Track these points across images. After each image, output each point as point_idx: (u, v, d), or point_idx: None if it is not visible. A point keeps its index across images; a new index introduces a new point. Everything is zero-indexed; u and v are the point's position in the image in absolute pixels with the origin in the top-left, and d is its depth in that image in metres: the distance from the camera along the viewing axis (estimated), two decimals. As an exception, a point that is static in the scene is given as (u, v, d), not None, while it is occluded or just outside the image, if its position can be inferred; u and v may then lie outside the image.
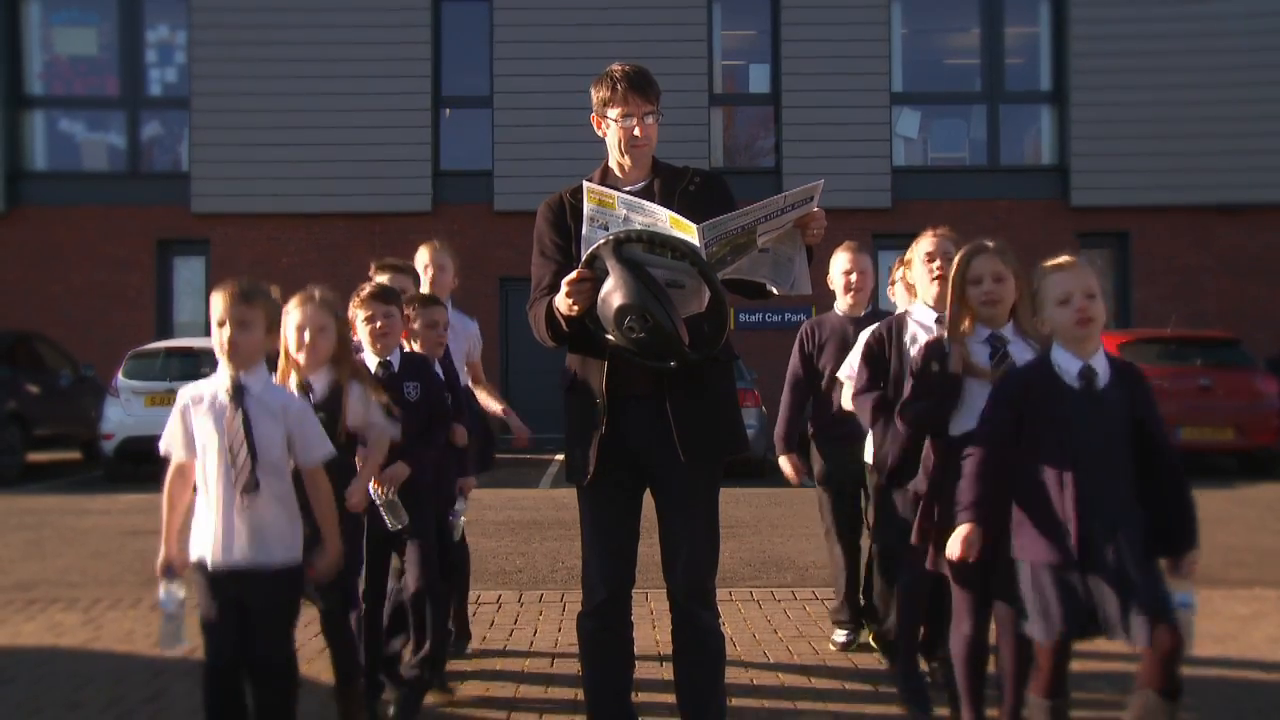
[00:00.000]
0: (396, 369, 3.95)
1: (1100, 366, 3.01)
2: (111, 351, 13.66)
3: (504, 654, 4.77)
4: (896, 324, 3.92)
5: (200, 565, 3.04)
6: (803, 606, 5.57)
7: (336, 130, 15.64)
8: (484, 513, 8.78)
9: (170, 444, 3.10)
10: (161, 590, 3.06)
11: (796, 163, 15.82)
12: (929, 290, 3.85)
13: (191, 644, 3.09)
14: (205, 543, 3.03)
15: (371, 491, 3.76)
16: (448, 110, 16.55)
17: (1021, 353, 3.32)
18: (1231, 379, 11.63)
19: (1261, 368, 12.23)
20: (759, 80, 16.79)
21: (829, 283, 4.79)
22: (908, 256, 4.03)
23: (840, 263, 4.74)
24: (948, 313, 3.47)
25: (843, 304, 4.74)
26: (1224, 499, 9.77)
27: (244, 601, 3.01)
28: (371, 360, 3.95)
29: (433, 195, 16.01)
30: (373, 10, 15.88)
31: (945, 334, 3.48)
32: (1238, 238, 16.20)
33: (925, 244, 3.89)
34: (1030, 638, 3.08)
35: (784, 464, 4.81)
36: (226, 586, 3.01)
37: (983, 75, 16.62)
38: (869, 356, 3.92)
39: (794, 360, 4.81)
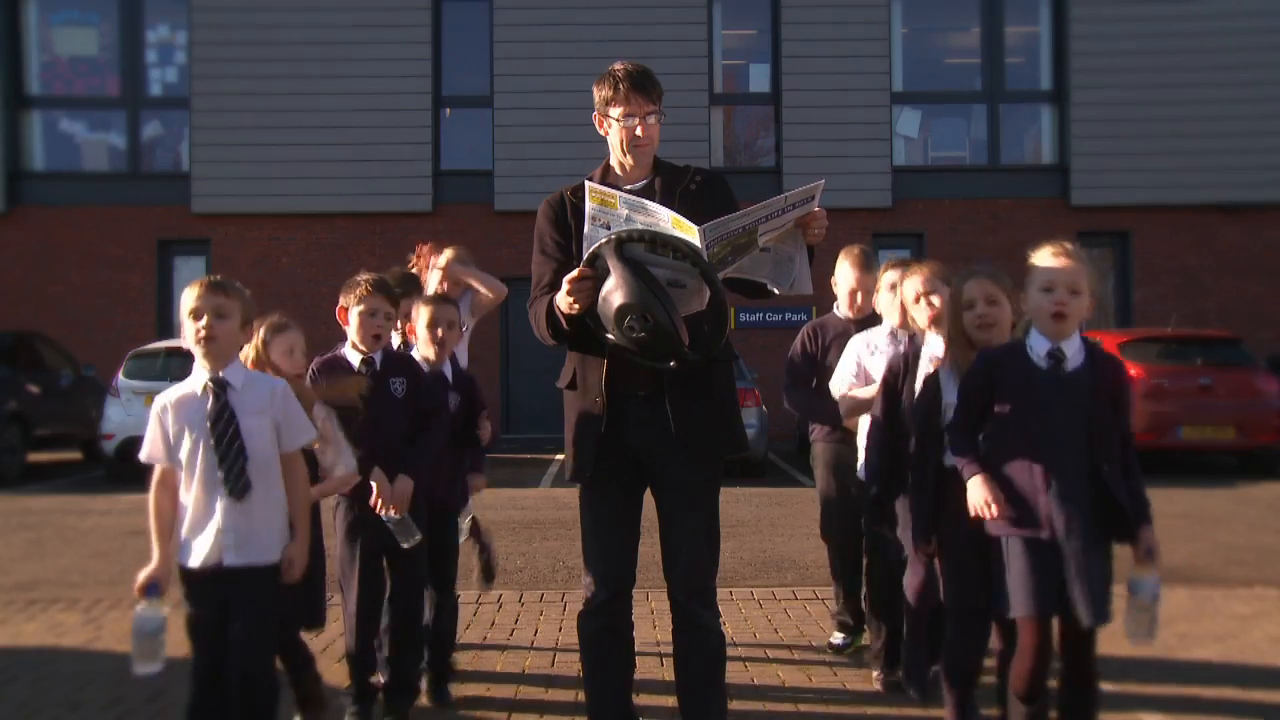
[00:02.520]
0: (379, 366, 3.85)
1: (1071, 350, 3.06)
2: (112, 351, 13.67)
3: (505, 653, 4.77)
4: (912, 355, 3.83)
5: (186, 568, 2.95)
6: (803, 606, 5.57)
7: (336, 130, 15.64)
8: (484, 512, 8.74)
9: (151, 452, 2.99)
10: (141, 608, 2.90)
11: (796, 162, 15.82)
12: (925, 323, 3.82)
13: (164, 665, 2.96)
14: (193, 545, 2.95)
15: (381, 513, 3.70)
16: (448, 110, 16.55)
17: None
18: (1232, 378, 11.63)
19: (1262, 367, 12.23)
20: (759, 80, 16.78)
21: (833, 285, 4.76)
22: (903, 297, 3.93)
23: (847, 279, 4.65)
24: (944, 341, 3.48)
25: (845, 311, 4.70)
26: (1224, 498, 9.78)
27: (228, 603, 2.92)
28: (354, 357, 3.86)
29: (433, 195, 16.02)
30: (373, 10, 15.88)
31: (941, 365, 3.47)
32: (1238, 237, 16.21)
33: (915, 283, 3.83)
34: (1013, 623, 3.12)
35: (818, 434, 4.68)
36: (213, 589, 2.93)
37: (983, 74, 16.62)
38: (886, 390, 3.81)
39: (795, 354, 4.70)
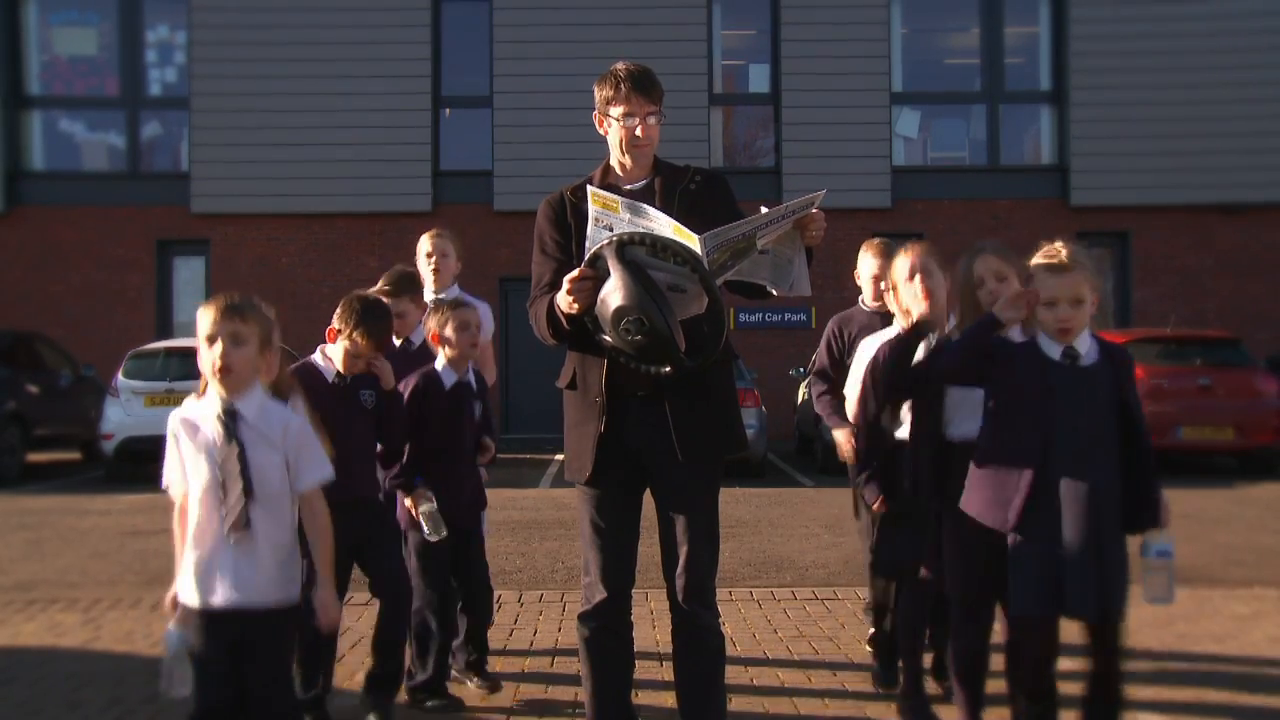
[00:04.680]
0: (350, 379, 3.86)
1: (1084, 347, 3.06)
2: (111, 351, 13.67)
3: (504, 654, 4.77)
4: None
5: (195, 609, 2.80)
6: (803, 606, 5.57)
7: (336, 130, 15.64)
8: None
9: (171, 478, 2.87)
10: (171, 627, 2.85)
11: (796, 163, 15.82)
12: (919, 308, 3.75)
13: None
14: (194, 581, 2.80)
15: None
16: (448, 110, 16.55)
17: None
18: (1231, 379, 11.63)
19: (1261, 367, 12.25)
20: (759, 80, 16.79)
21: (855, 278, 4.74)
22: (892, 280, 3.88)
23: (869, 267, 4.64)
24: (958, 319, 3.48)
25: (869, 302, 4.68)
26: (1224, 498, 9.77)
27: (238, 642, 2.78)
28: (329, 370, 3.86)
29: (433, 195, 16.02)
30: (373, 10, 15.89)
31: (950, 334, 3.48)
32: (1238, 238, 16.21)
33: (902, 262, 3.81)
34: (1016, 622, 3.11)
35: (839, 436, 4.48)
36: (220, 626, 2.79)
37: (983, 75, 16.63)
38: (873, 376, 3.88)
39: (821, 355, 4.69)
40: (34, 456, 12.37)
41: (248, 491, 2.76)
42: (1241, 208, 16.08)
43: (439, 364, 4.13)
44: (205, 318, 2.79)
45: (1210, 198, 15.97)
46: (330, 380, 3.84)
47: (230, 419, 2.79)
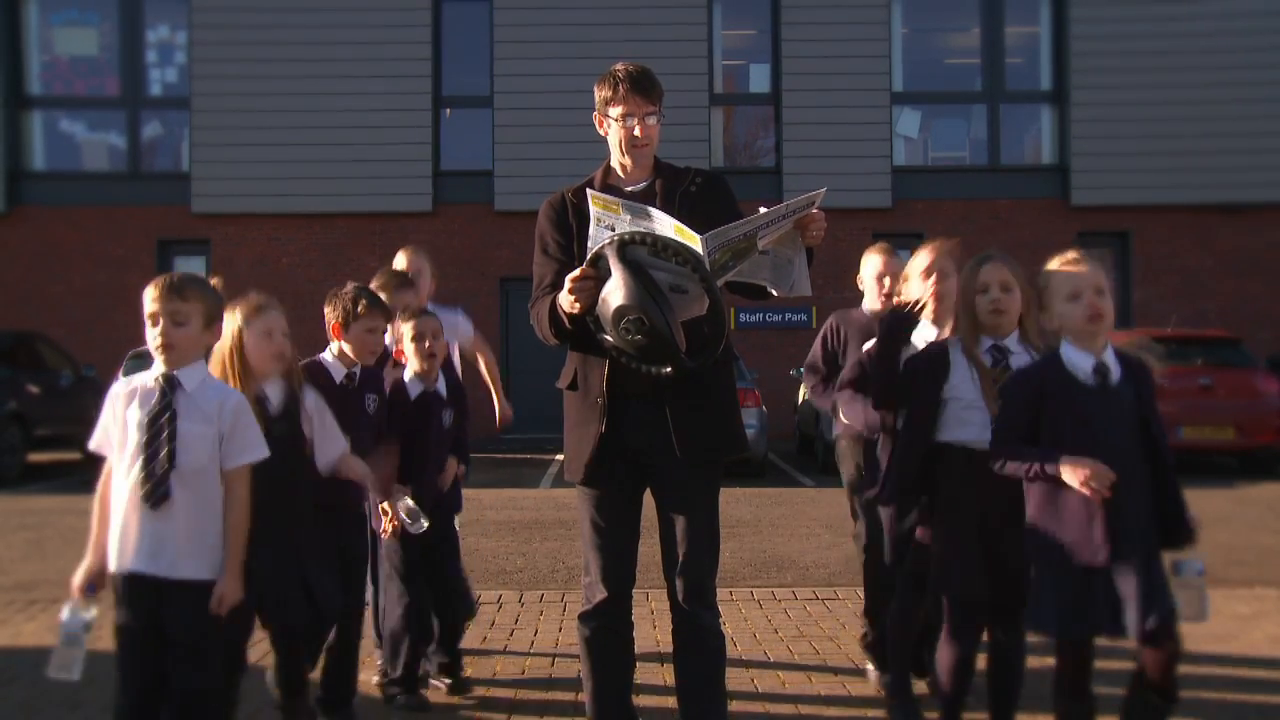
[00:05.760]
0: (357, 381, 3.86)
1: (1111, 362, 3.02)
2: (112, 351, 13.63)
3: (504, 654, 4.77)
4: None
5: (115, 575, 2.81)
6: (803, 606, 5.57)
7: (336, 130, 15.64)
8: (484, 513, 8.76)
9: (100, 442, 2.88)
10: (66, 609, 2.83)
11: (796, 163, 15.82)
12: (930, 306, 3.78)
13: (81, 679, 2.86)
14: (115, 545, 2.81)
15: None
16: (448, 110, 16.55)
17: (1023, 364, 3.30)
18: (1232, 378, 11.64)
19: (1262, 367, 12.25)
20: (759, 80, 16.80)
21: (859, 283, 4.74)
22: (905, 272, 3.94)
23: (874, 265, 4.65)
24: (953, 320, 3.47)
25: (872, 303, 4.68)
26: (1224, 498, 9.76)
27: (161, 621, 2.77)
28: (338, 370, 3.85)
29: (433, 195, 16.02)
30: (373, 10, 15.89)
31: (947, 337, 3.47)
32: (1238, 238, 16.21)
33: (921, 258, 3.83)
34: (1047, 637, 3.09)
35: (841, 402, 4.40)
36: (141, 600, 2.77)
37: (983, 75, 16.62)
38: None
39: (815, 348, 4.72)
40: (34, 456, 12.35)
41: (171, 458, 2.78)
42: (1241, 208, 16.08)
43: (406, 375, 4.12)
44: (146, 297, 2.83)
45: (1210, 198, 15.97)
46: (338, 381, 3.82)
47: (169, 385, 2.83)
